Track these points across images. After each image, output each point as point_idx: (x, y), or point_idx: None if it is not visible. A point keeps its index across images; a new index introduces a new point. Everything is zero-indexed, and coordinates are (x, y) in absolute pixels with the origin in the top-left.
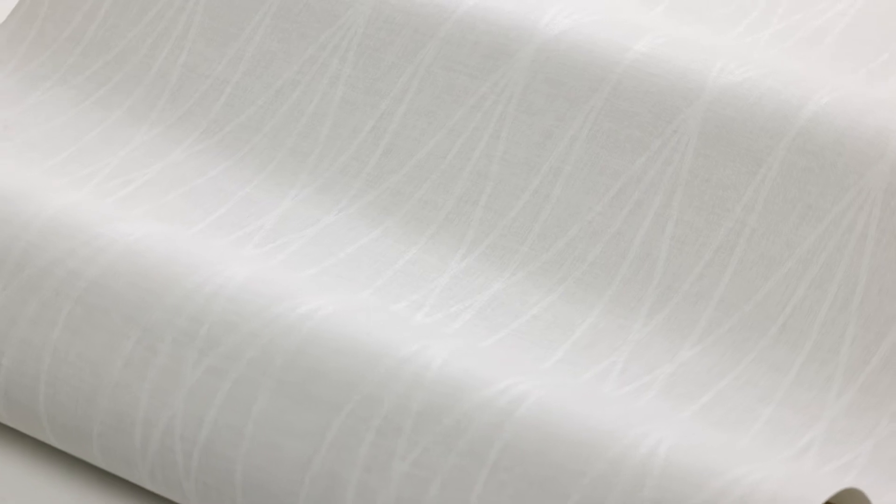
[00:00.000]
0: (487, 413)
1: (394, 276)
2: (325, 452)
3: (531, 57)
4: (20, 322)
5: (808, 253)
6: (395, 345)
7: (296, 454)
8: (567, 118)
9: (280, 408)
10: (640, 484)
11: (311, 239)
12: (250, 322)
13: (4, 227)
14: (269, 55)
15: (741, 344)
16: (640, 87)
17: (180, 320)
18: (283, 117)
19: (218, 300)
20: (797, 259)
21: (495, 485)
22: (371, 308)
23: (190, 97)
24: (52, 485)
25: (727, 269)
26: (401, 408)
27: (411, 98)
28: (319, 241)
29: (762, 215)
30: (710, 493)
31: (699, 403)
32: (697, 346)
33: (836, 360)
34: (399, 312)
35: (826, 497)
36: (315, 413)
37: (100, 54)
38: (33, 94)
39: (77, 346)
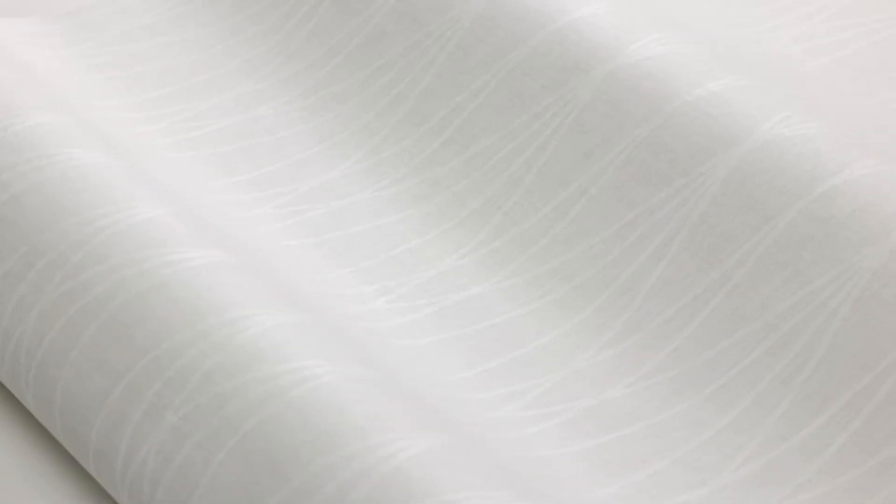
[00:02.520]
0: (263, 387)
1: (384, 260)
2: (120, 392)
3: (602, 77)
4: None
5: (775, 318)
6: (227, 306)
7: (99, 388)
8: (611, 141)
9: (102, 342)
10: (353, 485)
11: (331, 211)
12: (114, 258)
13: None
14: (382, 34)
15: (672, 395)
16: (689, 125)
17: (62, 245)
18: (370, 94)
19: (103, 234)
20: (763, 322)
21: (239, 455)
22: (242, 267)
23: (303, 61)
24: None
25: (696, 318)
26: (195, 364)
27: (485, 97)
28: (338, 214)
29: (749, 272)
30: None
31: (595, 442)
32: (630, 388)
33: (755, 431)
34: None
35: None
36: (125, 354)
37: (244, 7)
38: (176, 32)
39: None
